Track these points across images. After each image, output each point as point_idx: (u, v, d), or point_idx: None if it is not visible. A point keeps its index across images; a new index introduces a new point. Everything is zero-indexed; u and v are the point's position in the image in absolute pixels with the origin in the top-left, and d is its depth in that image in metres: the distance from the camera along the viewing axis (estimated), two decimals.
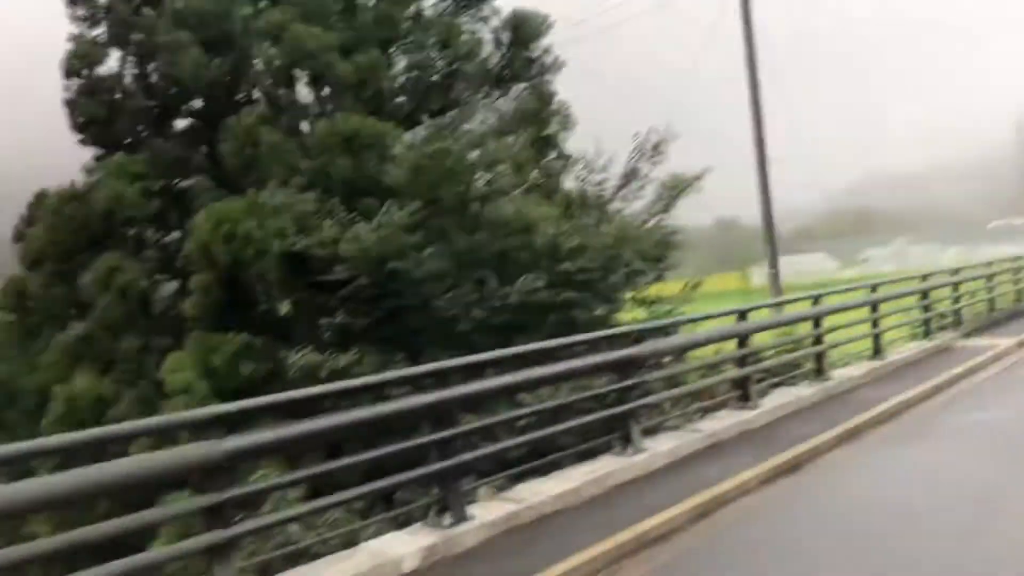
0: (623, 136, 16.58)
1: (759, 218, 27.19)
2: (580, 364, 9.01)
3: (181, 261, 19.71)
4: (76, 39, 21.55)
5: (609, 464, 8.44)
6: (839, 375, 12.89)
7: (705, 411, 11.16)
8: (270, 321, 18.87)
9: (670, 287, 16.77)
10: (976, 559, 5.62)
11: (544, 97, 21.29)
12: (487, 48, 22.38)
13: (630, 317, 15.65)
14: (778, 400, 11.31)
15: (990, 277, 20.12)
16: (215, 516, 5.41)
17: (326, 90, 20.01)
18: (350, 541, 7.90)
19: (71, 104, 21.57)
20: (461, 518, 6.81)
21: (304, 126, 20.54)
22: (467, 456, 7.20)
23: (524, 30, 22.28)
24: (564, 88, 22.86)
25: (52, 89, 21.73)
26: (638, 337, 9.51)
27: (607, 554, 6.30)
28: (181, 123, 23.13)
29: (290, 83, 20.38)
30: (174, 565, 11.88)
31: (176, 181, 21.45)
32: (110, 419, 16.70)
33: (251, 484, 6.41)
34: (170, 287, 21.86)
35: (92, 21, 21.80)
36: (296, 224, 14.59)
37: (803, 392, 11.78)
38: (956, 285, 18.02)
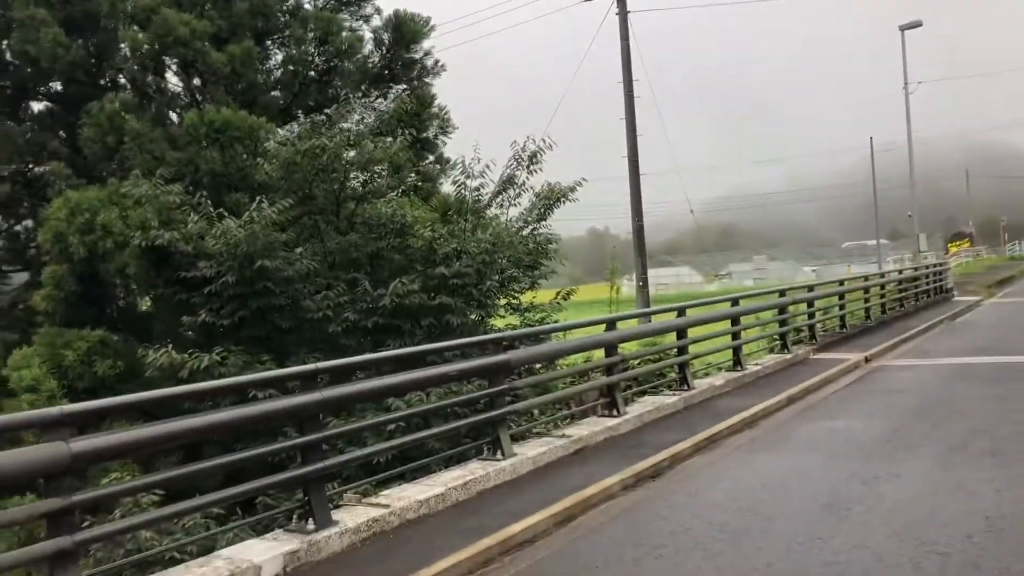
0: (502, 144, 16.70)
1: (630, 229, 27.92)
2: (451, 369, 8.98)
3: (33, 251, 18.61)
4: None
5: (477, 469, 8.44)
6: (701, 384, 13.34)
7: (573, 418, 11.34)
8: (129, 317, 18.04)
9: (543, 294, 17.00)
10: (823, 561, 5.90)
11: (424, 99, 21.23)
12: (367, 47, 22.15)
13: (503, 323, 15.75)
14: (643, 408, 11.60)
15: (842, 295, 21.29)
16: (59, 522, 5.08)
17: (197, 80, 19.33)
18: (207, 548, 7.61)
19: None
20: (325, 523, 6.66)
21: (172, 116, 19.77)
22: (333, 461, 7.05)
23: (406, 31, 22.17)
24: (444, 92, 22.88)
25: None
26: (509, 344, 9.57)
27: (471, 559, 6.29)
28: (37, 105, 21.89)
29: (159, 70, 19.59)
30: (13, 573, 11.16)
31: (30, 166, 20.27)
32: None
33: (101, 488, 6.05)
34: (19, 278, 20.60)
35: None
36: (160, 217, 13.98)
37: (667, 400, 12.12)
38: (811, 301, 18.97)
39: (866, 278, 25.47)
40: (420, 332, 13.55)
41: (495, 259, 14.77)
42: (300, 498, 6.83)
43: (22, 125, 21.21)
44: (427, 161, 21.53)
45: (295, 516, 6.81)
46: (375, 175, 15.56)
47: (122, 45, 19.20)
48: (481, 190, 15.96)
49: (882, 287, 25.32)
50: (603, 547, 6.61)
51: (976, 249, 73.84)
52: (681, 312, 13.58)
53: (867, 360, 16.77)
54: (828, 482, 8.03)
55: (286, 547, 6.25)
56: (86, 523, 7.48)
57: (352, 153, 15.27)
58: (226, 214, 13.59)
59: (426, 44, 22.76)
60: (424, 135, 20.67)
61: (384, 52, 22.61)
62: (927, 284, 30.44)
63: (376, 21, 23.03)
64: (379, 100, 21.47)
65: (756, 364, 15.52)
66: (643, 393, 12.76)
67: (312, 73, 21.24)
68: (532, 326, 14.84)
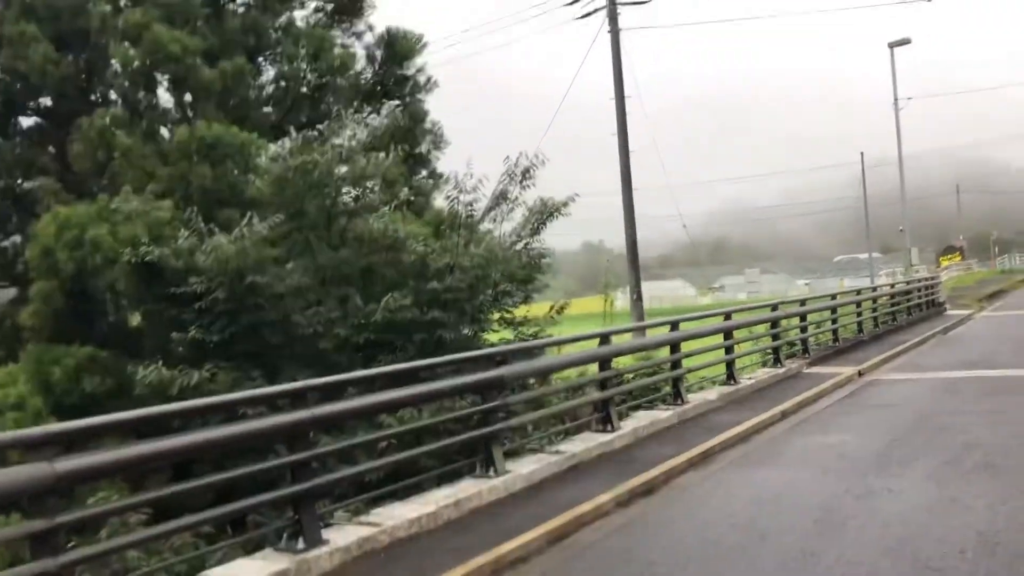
0: (495, 159, 16.69)
1: (624, 243, 27.91)
2: (443, 386, 8.93)
3: (21, 267, 18.52)
4: None
5: (469, 487, 8.36)
6: (695, 399, 13.29)
7: (567, 433, 11.27)
8: (118, 334, 17.92)
9: (537, 308, 16.94)
10: None
11: (416, 115, 21.27)
12: (360, 63, 22.18)
13: (497, 338, 15.69)
14: (637, 423, 11.54)
15: (834, 309, 21.29)
16: (43, 543, 5.00)
17: (188, 96, 19.31)
18: (196, 567, 7.51)
19: None
20: (315, 542, 6.58)
21: (163, 132, 19.73)
22: (323, 479, 6.98)
23: (398, 48, 22.22)
24: (437, 108, 22.92)
25: None
26: (502, 359, 9.50)
27: None
28: (27, 121, 21.83)
29: (150, 86, 19.56)
30: None
31: (19, 182, 20.19)
32: None
33: (86, 508, 5.98)
34: (6, 294, 20.48)
35: None
36: (150, 232, 13.91)
37: (661, 415, 12.07)
38: (804, 315, 18.97)
39: (859, 292, 25.50)
40: (412, 348, 13.47)
41: (488, 273, 14.72)
42: (290, 516, 6.76)
43: (11, 140, 21.15)
44: (420, 176, 21.54)
45: (285, 535, 6.72)
46: (367, 190, 15.52)
47: (113, 61, 19.17)
48: (474, 205, 15.92)
49: (874, 301, 25.35)
50: (596, 565, 6.54)
51: (967, 263, 74.15)
52: (674, 326, 13.55)
53: (860, 374, 16.75)
54: (822, 497, 7.98)
55: (275, 567, 6.17)
56: (72, 544, 7.38)
57: (344, 169, 15.24)
58: (217, 230, 13.53)
59: (419, 61, 22.84)
60: (417, 150, 20.69)
61: (376, 68, 22.66)
62: (919, 298, 30.50)
63: (369, 38, 23.11)
64: (372, 116, 21.47)
65: (749, 378, 15.49)
66: (637, 407, 12.70)
67: (304, 89, 21.26)
68: (526, 340, 14.78)
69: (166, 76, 19.09)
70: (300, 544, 6.53)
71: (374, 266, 14.82)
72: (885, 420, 11.84)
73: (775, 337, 17.29)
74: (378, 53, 22.68)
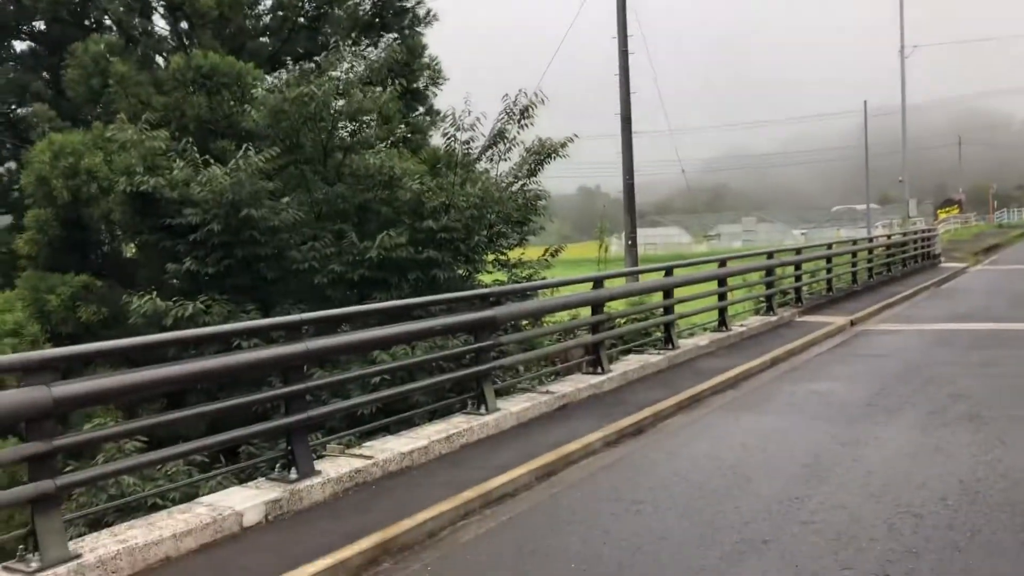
0: (493, 97, 16.52)
1: (621, 188, 27.77)
2: (436, 324, 8.98)
3: (16, 194, 18.40)
4: None
5: (460, 423, 8.47)
6: (686, 344, 13.39)
7: (557, 375, 11.38)
8: (113, 263, 17.93)
9: (532, 251, 16.96)
10: (800, 520, 5.98)
11: (414, 49, 20.96)
12: None
13: (491, 279, 15.73)
14: (627, 366, 11.65)
15: (830, 259, 21.33)
16: (42, 465, 5.07)
17: (184, 23, 18.99)
18: (190, 495, 7.64)
19: None
20: (308, 473, 6.69)
21: (159, 60, 19.45)
22: (316, 411, 7.06)
23: None
24: (436, 43, 22.59)
25: None
26: (496, 299, 9.55)
27: (453, 511, 6.33)
28: (20, 45, 21.47)
29: (145, 12, 19.24)
30: None
31: (12, 107, 19.95)
32: None
33: (82, 432, 6.05)
34: (2, 220, 20.40)
35: None
36: (145, 162, 13.81)
37: (651, 359, 12.17)
38: (798, 264, 19.01)
39: (854, 242, 25.50)
40: (407, 286, 13.52)
41: (484, 214, 14.70)
42: (283, 447, 6.85)
43: (4, 65, 20.84)
44: (417, 113, 21.34)
45: (278, 465, 6.82)
46: (364, 125, 15.39)
47: None
48: (471, 143, 15.82)
49: (870, 252, 25.38)
50: (582, 502, 6.67)
51: (965, 216, 74.07)
52: (668, 272, 13.58)
53: (852, 324, 16.86)
54: (808, 443, 8.10)
55: (268, 495, 6.27)
56: (69, 468, 7.48)
57: (341, 102, 15.09)
58: (212, 161, 13.44)
59: None
60: (415, 86, 20.45)
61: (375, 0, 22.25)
62: (915, 250, 30.54)
63: None
64: (369, 49, 21.16)
65: (741, 325, 15.58)
66: (628, 351, 12.80)
67: (302, 19, 20.92)
68: (519, 283, 14.82)
69: (162, 2, 18.77)
70: (293, 474, 6.64)
71: (370, 203, 14.78)
72: (874, 370, 11.96)
73: (769, 285, 17.35)
74: None
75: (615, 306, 13.18)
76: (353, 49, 17.06)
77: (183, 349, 9.58)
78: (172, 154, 13.90)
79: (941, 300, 21.54)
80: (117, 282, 16.14)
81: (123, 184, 13.60)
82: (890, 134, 47.73)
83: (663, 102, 30.91)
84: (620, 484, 7.10)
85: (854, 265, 23.30)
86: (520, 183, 16.64)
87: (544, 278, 15.32)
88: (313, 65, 16.70)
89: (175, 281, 14.05)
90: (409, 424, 8.85)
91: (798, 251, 20.21)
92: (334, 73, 15.72)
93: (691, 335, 14.68)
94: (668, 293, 13.23)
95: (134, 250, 17.80)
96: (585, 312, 11.85)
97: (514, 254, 16.40)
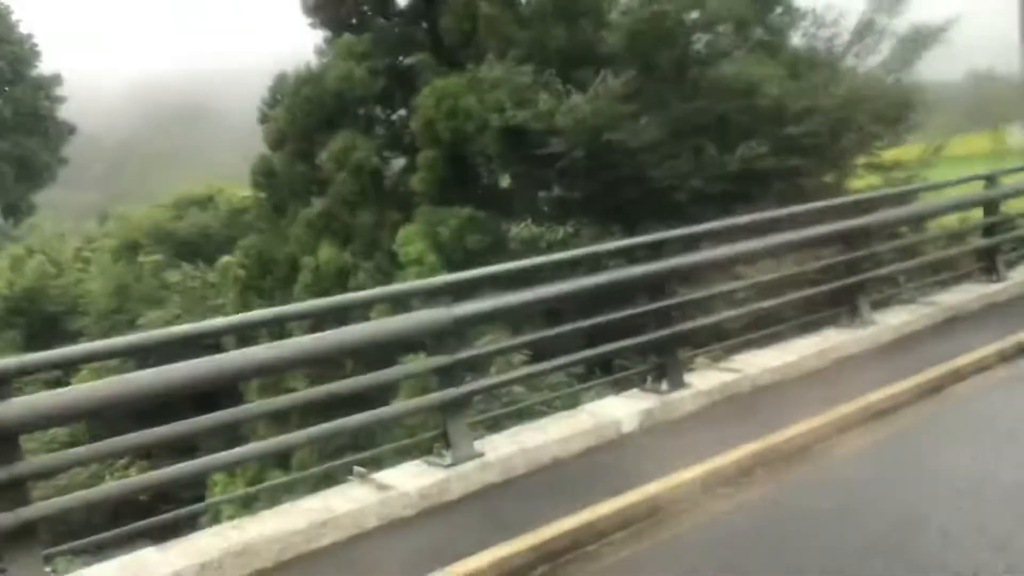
0: None
1: (1021, 68, 24.24)
2: (804, 235, 8.67)
3: (408, 138, 20.60)
4: None
5: (833, 337, 8.19)
6: None
7: (943, 284, 10.46)
8: (491, 195, 19.48)
9: (909, 151, 15.54)
10: None
11: None
12: None
13: (863, 184, 14.72)
14: None
15: None
16: (448, 376, 5.82)
17: None
18: (571, 403, 8.27)
19: None
20: (678, 385, 6.92)
21: None
22: (684, 326, 7.24)
23: None
24: None
25: None
26: (869, 206, 8.97)
27: (827, 426, 6.22)
28: (403, 1, 23.64)
29: None
30: (412, 419, 12.98)
31: (400, 59, 22.17)
32: (350, 288, 18.14)
33: (479, 347, 6.81)
34: (398, 163, 22.99)
35: None
36: (513, 98, 14.75)
37: None
38: None
39: None
40: (770, 197, 13.14)
41: (851, 115, 13.73)
42: (654, 361, 7.14)
43: (391, 20, 23.15)
44: (774, 13, 20.25)
45: (650, 378, 7.13)
46: (719, 35, 15.02)
47: None
48: (834, 40, 14.76)
49: None
50: (972, 418, 6.20)
51: None
52: None
53: None
54: None
55: (642, 405, 6.61)
56: (468, 379, 8.46)
57: (695, 14, 14.85)
58: (573, 90, 13.99)
59: None
60: None
61: None
62: None
63: None
64: None
65: None
66: None
67: None
68: (895, 187, 13.73)
69: None
70: (664, 386, 6.91)
71: (727, 114, 14.47)
72: None
73: None
74: None
75: (1015, 205, 11.72)
76: None
77: (557, 270, 10.26)
78: (536, 87, 14.68)
79: None
80: (497, 212, 17.55)
81: (495, 120, 14.68)
82: None
83: None
84: (1019, 402, 6.47)
85: None
86: (892, 77, 15.25)
87: (925, 179, 14.02)
88: None
89: (546, 208, 14.98)
90: (778, 338, 8.73)
91: None
92: None
93: None
94: None
95: (508, 181, 19.17)
96: (976, 215, 10.71)
97: (889, 155, 15.16)
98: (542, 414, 7.73)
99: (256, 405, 6.35)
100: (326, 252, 19.23)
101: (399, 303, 12.18)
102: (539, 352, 9.14)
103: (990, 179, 10.38)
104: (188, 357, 4.90)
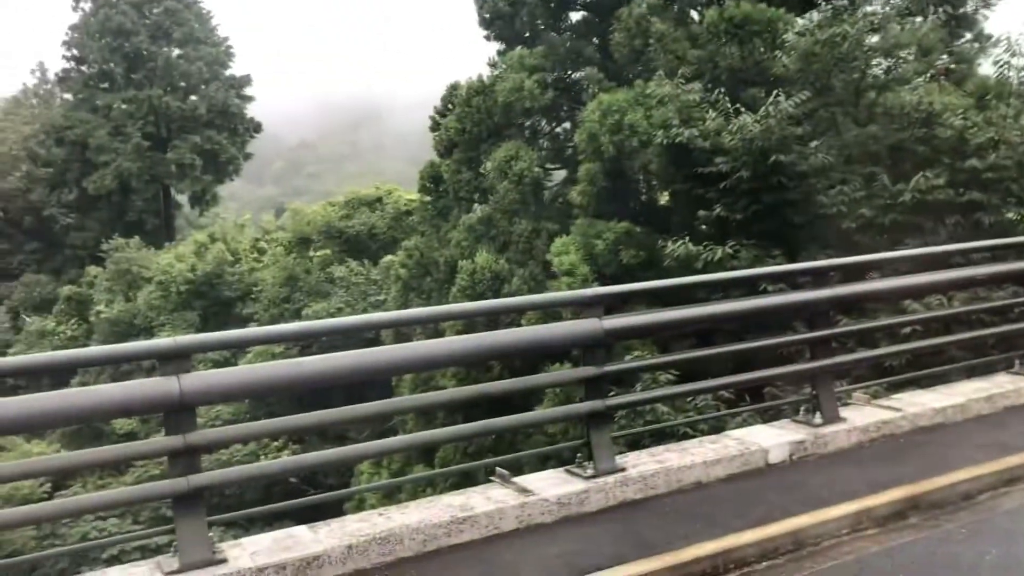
0: None
1: None
2: (979, 272, 8.23)
3: (569, 151, 20.86)
4: None
5: (1005, 383, 7.70)
6: None
7: None
8: (649, 211, 19.44)
9: None
10: None
11: None
12: None
13: None
14: None
15: None
16: (594, 387, 5.86)
17: None
18: (716, 428, 8.17)
19: (479, 1, 23.36)
20: (833, 419, 6.70)
21: (694, 15, 20.28)
22: (842, 358, 7.01)
23: None
24: None
25: None
26: None
27: (993, 475, 5.87)
28: (575, 15, 23.97)
29: None
30: (553, 427, 13.11)
31: (568, 73, 22.49)
32: (504, 294, 18.53)
33: (627, 362, 6.84)
34: (559, 175, 23.30)
35: None
36: (680, 115, 14.67)
37: None
38: None
39: None
40: (943, 231, 12.47)
41: None
42: (808, 392, 6.94)
43: (562, 35, 23.51)
44: (963, 40, 19.22)
45: (802, 409, 6.93)
46: (900, 60, 14.39)
47: None
48: None
49: None
50: None
51: None
52: None
53: None
54: None
55: (793, 436, 6.44)
56: (613, 392, 8.49)
57: (875, 39, 14.30)
58: (743, 110, 13.77)
59: None
60: (961, 11, 18.44)
61: None
62: None
63: None
64: None
65: None
66: None
67: None
68: None
69: None
70: (817, 419, 6.70)
71: (904, 143, 13.84)
72: None
73: None
74: None
75: None
76: None
77: (711, 291, 10.14)
78: (705, 105, 14.53)
79: None
80: (653, 228, 17.48)
81: (660, 137, 14.63)
82: None
83: None
84: None
85: None
86: None
87: None
88: (846, 2, 16.02)
89: (704, 227, 14.78)
90: (942, 379, 8.29)
91: None
92: (868, 8, 14.92)
93: None
94: None
95: (667, 198, 19.05)
96: None
97: None
98: (685, 436, 7.68)
99: (410, 398, 6.67)
100: (483, 257, 19.73)
101: (549, 312, 12.37)
102: (686, 374, 9.06)
103: None
104: (348, 348, 5.20)
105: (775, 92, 13.68)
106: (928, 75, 14.36)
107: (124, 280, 39.36)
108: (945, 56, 16.10)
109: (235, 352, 26.50)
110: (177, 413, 4.59)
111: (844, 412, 6.92)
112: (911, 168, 13.20)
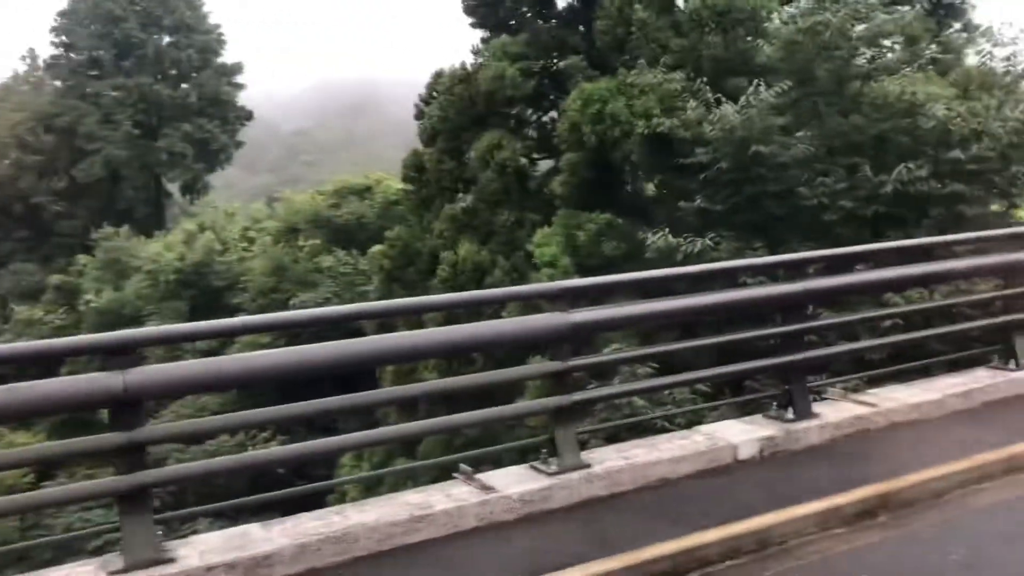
0: None
1: None
2: (960, 265, 8.10)
3: (556, 141, 20.69)
4: None
5: (983, 378, 7.58)
6: None
7: None
8: (633, 203, 19.29)
9: None
10: None
11: None
12: None
13: None
14: None
15: None
16: (560, 382, 5.72)
17: None
18: (693, 421, 8.04)
19: None
20: (805, 414, 6.57)
21: (678, 3, 20.08)
22: (814, 352, 6.87)
23: None
24: None
25: None
26: None
27: (965, 473, 5.75)
28: (561, 3, 23.71)
29: None
30: (535, 421, 12.96)
31: (553, 61, 22.25)
32: (486, 285, 18.36)
33: (591, 356, 6.69)
34: (544, 165, 23.10)
35: None
36: (661, 104, 14.53)
37: None
38: None
39: None
40: (926, 223, 12.39)
41: None
42: (782, 387, 6.82)
43: (548, 23, 23.26)
44: (950, 30, 19.11)
45: (775, 404, 6.82)
46: (885, 50, 14.27)
47: None
48: (1013, 59, 13.76)
49: None
50: None
51: None
52: None
53: None
54: None
55: (763, 432, 6.31)
56: (593, 385, 8.34)
57: (860, 27, 14.17)
58: (724, 99, 13.63)
59: None
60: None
61: None
62: None
63: None
64: None
65: None
66: None
67: None
68: None
69: None
70: (789, 414, 6.57)
71: (887, 134, 13.74)
72: None
73: None
74: None
75: None
76: None
77: (692, 283, 10.01)
78: (686, 95, 14.40)
79: None
80: (636, 220, 17.35)
81: (641, 127, 14.48)
82: None
83: None
84: None
85: None
86: None
87: None
88: None
89: (687, 219, 14.66)
90: (922, 374, 8.18)
91: None
92: None
93: None
94: None
95: (653, 189, 18.92)
96: None
97: None
98: (664, 430, 7.55)
99: (391, 390, 6.54)
100: (465, 248, 19.57)
101: (530, 304, 12.22)
102: (668, 367, 8.93)
103: None
104: (334, 338, 5.09)
105: (756, 82, 13.55)
106: (916, 65, 14.24)
107: (113, 269, 39.11)
108: (932, 46, 15.97)
109: (224, 343, 26.29)
110: (122, 408, 4.45)
111: (819, 407, 6.79)
112: (894, 159, 13.12)
